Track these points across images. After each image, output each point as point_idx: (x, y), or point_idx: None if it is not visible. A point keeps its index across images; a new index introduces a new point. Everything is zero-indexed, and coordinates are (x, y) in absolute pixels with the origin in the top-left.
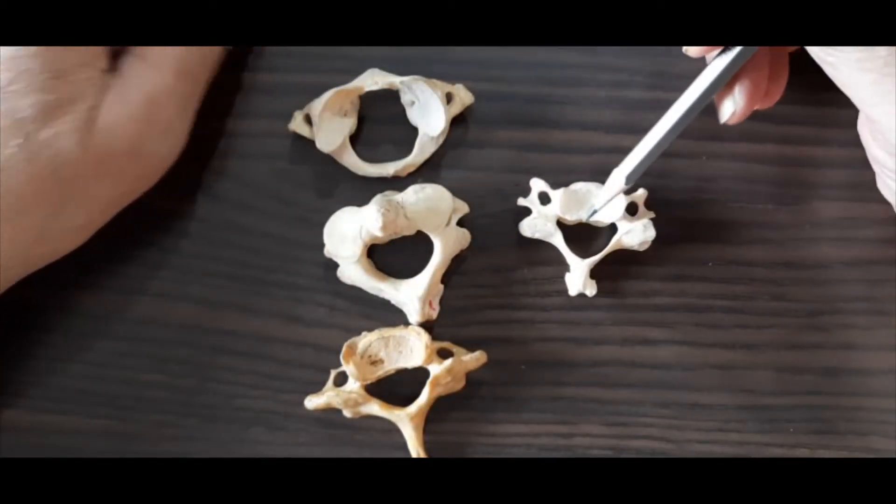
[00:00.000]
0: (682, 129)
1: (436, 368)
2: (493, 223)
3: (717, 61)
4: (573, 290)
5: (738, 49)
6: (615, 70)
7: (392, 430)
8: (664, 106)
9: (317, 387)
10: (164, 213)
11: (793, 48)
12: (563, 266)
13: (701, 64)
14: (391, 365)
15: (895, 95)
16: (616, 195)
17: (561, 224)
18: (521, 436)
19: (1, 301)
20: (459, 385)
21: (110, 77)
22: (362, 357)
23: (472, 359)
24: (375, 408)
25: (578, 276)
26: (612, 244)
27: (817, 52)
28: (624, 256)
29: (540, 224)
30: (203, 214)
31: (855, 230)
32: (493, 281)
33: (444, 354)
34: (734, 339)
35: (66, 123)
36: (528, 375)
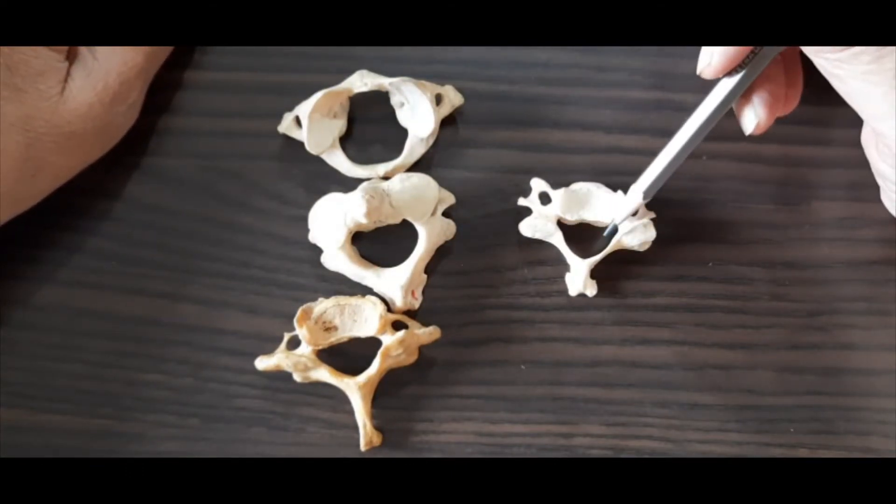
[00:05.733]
0: (697, 144)
1: (388, 339)
2: (493, 223)
3: (728, 78)
4: (573, 290)
5: (746, 69)
6: (615, 70)
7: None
8: (664, 106)
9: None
10: (162, 212)
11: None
12: (563, 266)
13: None
14: (345, 332)
15: None
16: (635, 211)
17: (561, 224)
18: (521, 436)
19: (1, 300)
20: (412, 358)
21: (82, 58)
22: (316, 322)
23: (425, 333)
24: (325, 374)
25: (579, 276)
26: (613, 244)
27: (824, 65)
28: (624, 256)
29: (540, 224)
30: (200, 214)
31: (855, 230)
32: (493, 281)
33: (398, 327)
34: (734, 339)
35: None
36: (528, 375)
